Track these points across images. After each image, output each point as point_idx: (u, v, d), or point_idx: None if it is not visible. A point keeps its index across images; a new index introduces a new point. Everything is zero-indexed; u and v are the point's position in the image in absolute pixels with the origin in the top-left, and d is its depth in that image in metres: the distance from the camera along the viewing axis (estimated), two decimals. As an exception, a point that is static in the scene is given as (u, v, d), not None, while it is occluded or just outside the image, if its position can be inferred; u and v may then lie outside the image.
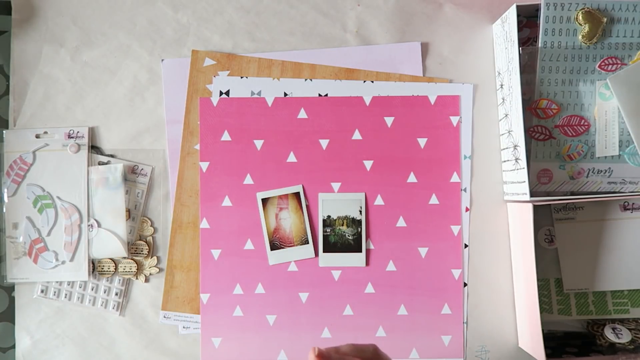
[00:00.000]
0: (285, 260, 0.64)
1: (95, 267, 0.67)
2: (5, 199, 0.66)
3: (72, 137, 0.67)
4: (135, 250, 0.67)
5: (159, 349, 0.67)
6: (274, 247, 0.63)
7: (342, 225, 0.61)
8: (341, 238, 0.61)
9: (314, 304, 0.66)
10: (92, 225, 0.66)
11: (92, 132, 0.68)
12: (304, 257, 0.64)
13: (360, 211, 0.60)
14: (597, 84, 0.62)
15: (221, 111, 0.67)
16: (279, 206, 0.62)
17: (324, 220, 0.62)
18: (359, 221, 0.60)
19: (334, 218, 0.61)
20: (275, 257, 0.64)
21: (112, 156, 0.68)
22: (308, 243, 0.62)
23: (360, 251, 0.61)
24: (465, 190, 0.67)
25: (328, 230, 0.61)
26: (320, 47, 0.69)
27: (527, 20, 0.66)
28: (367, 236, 0.64)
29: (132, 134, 0.68)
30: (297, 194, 0.63)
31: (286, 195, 0.63)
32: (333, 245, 0.62)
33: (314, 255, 0.64)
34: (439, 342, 0.66)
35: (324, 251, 0.63)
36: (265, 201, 0.63)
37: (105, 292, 0.67)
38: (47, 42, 0.68)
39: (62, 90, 0.68)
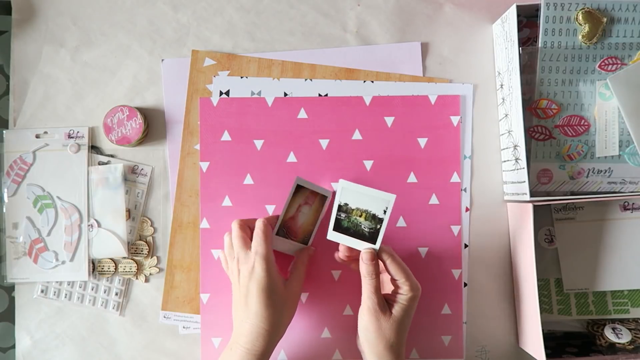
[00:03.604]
0: (280, 249, 0.62)
1: (95, 267, 0.67)
2: (5, 199, 0.66)
3: (72, 137, 0.67)
4: (135, 250, 0.67)
5: (159, 349, 0.67)
6: (279, 232, 0.60)
7: (360, 216, 0.56)
8: (356, 227, 0.56)
9: (314, 303, 0.66)
10: (92, 225, 0.66)
11: (92, 132, 0.68)
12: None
13: (385, 211, 0.55)
14: (597, 84, 0.62)
15: (221, 111, 0.67)
16: (305, 200, 0.60)
17: (339, 206, 0.56)
18: (381, 219, 0.55)
19: (352, 208, 0.56)
20: (276, 243, 0.61)
21: (112, 156, 0.68)
22: (307, 244, 0.62)
23: (374, 243, 0.56)
24: (465, 190, 0.67)
25: (342, 215, 0.56)
26: (320, 47, 0.69)
27: (527, 20, 0.66)
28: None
29: (132, 134, 0.68)
30: (323, 197, 0.61)
31: (316, 194, 0.61)
32: (345, 229, 0.56)
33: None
34: (439, 342, 0.66)
35: (333, 229, 0.57)
36: (298, 189, 0.60)
37: (105, 292, 0.67)
38: (47, 42, 0.69)
39: (62, 90, 0.68)
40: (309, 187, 0.60)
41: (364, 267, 0.55)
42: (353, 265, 0.59)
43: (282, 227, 0.60)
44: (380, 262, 0.57)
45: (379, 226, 0.55)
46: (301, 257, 0.61)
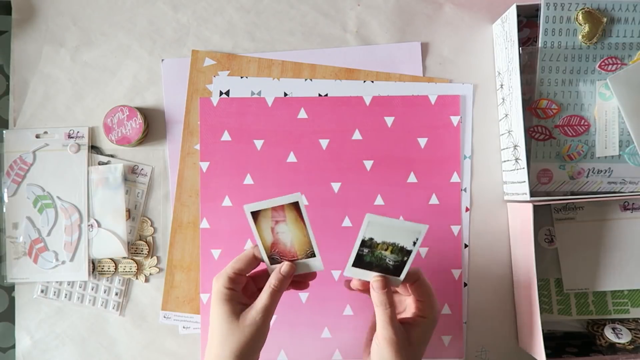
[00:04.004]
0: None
1: (95, 267, 0.67)
2: (5, 199, 0.66)
3: (72, 137, 0.67)
4: (135, 250, 0.67)
5: (159, 349, 0.67)
6: (274, 261, 0.53)
7: (386, 250, 0.50)
8: (379, 261, 0.51)
9: (314, 304, 0.66)
10: (92, 225, 0.66)
11: (92, 132, 0.68)
12: (312, 270, 0.54)
13: (415, 242, 0.49)
14: (597, 84, 0.62)
15: (221, 111, 0.67)
16: (273, 219, 0.51)
17: (363, 241, 0.50)
18: (409, 251, 0.50)
19: (377, 242, 0.50)
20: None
21: (112, 156, 0.68)
22: (315, 256, 0.53)
23: (399, 275, 0.51)
24: (465, 190, 0.67)
25: (365, 250, 0.51)
26: (320, 47, 0.69)
27: (527, 20, 0.66)
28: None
29: (132, 134, 0.68)
30: (295, 204, 0.51)
31: (282, 207, 0.51)
32: (367, 264, 0.51)
33: (322, 268, 0.54)
34: (439, 342, 0.66)
35: (353, 265, 0.52)
36: (256, 214, 0.51)
37: (105, 292, 0.67)
38: (47, 42, 0.69)
39: (62, 90, 0.68)
40: (265, 206, 0.51)
41: (376, 296, 0.51)
42: (367, 293, 0.54)
43: (272, 256, 0.53)
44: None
45: (405, 258, 0.50)
46: (270, 280, 0.52)
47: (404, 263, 0.50)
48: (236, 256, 0.54)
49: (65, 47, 0.69)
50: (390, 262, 0.50)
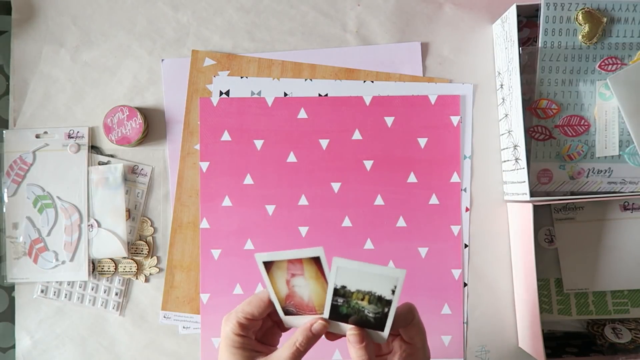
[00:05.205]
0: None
1: (95, 267, 0.67)
2: (5, 199, 0.66)
3: (72, 137, 0.67)
4: (135, 250, 0.67)
5: (159, 349, 0.67)
6: (288, 312, 0.46)
7: (362, 300, 0.43)
8: (357, 313, 0.44)
9: (314, 304, 0.66)
10: (92, 225, 0.66)
11: (92, 132, 0.68)
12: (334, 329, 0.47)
13: (394, 290, 0.42)
14: (597, 84, 0.62)
15: (221, 111, 0.67)
16: (289, 272, 0.44)
17: (336, 290, 0.43)
18: (389, 301, 0.42)
19: (351, 290, 0.43)
20: (290, 322, 0.48)
21: (112, 156, 0.68)
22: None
23: (382, 330, 0.44)
24: (465, 190, 0.67)
25: (340, 300, 0.44)
26: (320, 47, 0.69)
27: (527, 20, 0.66)
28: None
29: (132, 134, 0.68)
30: (316, 259, 0.43)
31: (300, 260, 0.43)
32: (344, 316, 0.44)
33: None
34: (439, 342, 0.66)
35: (330, 318, 0.45)
36: (269, 264, 0.44)
37: (105, 292, 0.67)
38: (47, 42, 0.69)
39: (62, 90, 0.68)
40: (280, 257, 0.44)
41: (354, 352, 0.43)
42: None
43: (287, 307, 0.46)
44: None
45: (386, 309, 0.43)
46: (297, 337, 0.44)
47: (385, 315, 0.43)
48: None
49: (65, 47, 0.69)
50: (370, 315, 0.44)
